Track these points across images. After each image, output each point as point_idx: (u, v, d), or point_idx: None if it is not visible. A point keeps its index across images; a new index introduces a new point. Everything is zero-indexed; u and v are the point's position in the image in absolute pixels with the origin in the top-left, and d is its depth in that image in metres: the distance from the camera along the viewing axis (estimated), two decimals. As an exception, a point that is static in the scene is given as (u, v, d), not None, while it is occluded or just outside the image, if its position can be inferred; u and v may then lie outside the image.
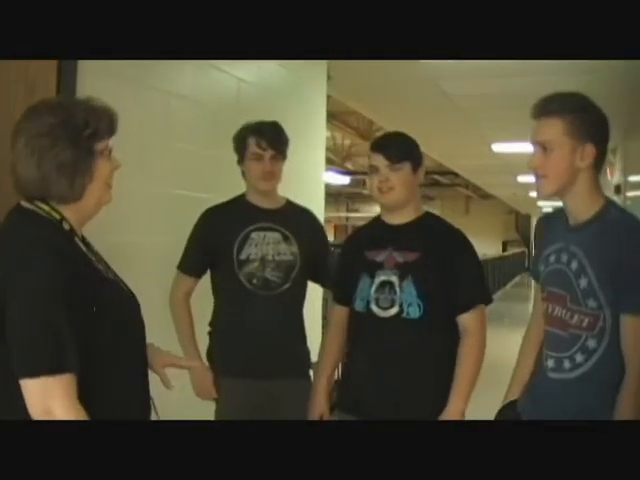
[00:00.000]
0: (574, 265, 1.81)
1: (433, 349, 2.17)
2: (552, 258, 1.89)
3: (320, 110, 4.58)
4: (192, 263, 2.53)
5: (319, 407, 2.35)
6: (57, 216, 1.42)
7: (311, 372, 2.55)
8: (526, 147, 7.37)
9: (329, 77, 4.69)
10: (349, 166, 17.43)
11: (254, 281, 2.44)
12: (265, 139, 2.44)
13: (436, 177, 18.27)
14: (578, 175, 1.80)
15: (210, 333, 2.57)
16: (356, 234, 2.47)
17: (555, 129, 1.80)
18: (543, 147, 1.82)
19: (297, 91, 4.18)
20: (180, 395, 1.87)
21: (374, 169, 2.23)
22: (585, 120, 1.79)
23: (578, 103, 1.84)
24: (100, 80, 2.40)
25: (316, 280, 2.66)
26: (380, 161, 2.21)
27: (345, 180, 16.47)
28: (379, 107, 6.96)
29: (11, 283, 1.29)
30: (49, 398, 1.26)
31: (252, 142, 2.46)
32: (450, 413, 2.11)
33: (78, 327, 1.31)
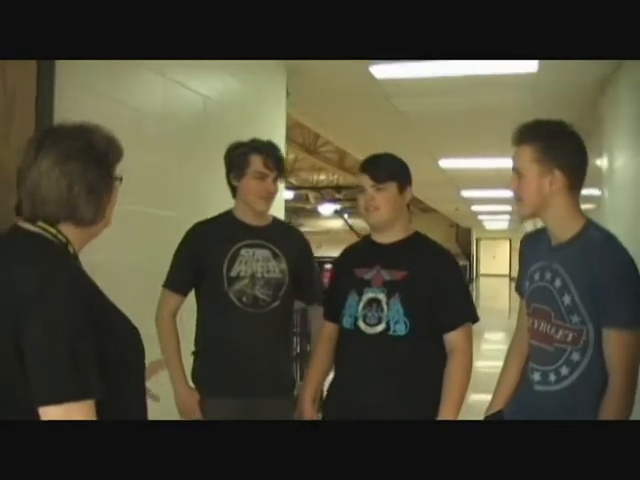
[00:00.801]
0: (557, 283, 1.88)
1: (419, 366, 2.20)
2: (536, 276, 1.96)
3: (280, 125, 4.60)
4: (180, 280, 2.48)
5: (308, 414, 2.37)
6: (63, 239, 1.40)
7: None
8: (472, 163, 7.66)
9: (288, 93, 4.72)
10: (293, 181, 17.50)
11: (244, 299, 2.41)
12: (272, 160, 2.42)
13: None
14: (551, 198, 1.88)
15: (195, 353, 2.52)
16: (346, 252, 2.49)
17: (524, 156, 1.90)
18: (517, 173, 1.92)
19: (258, 107, 4.21)
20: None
21: (361, 189, 2.27)
22: (553, 147, 1.88)
23: (549, 131, 1.92)
24: (74, 94, 2.37)
25: (300, 297, 2.65)
26: (366, 181, 2.25)
27: (289, 195, 16.52)
28: (333, 122, 7.03)
29: (31, 310, 1.26)
30: None
31: (257, 161, 2.42)
32: None
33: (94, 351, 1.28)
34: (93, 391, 1.26)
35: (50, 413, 1.23)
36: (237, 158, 2.46)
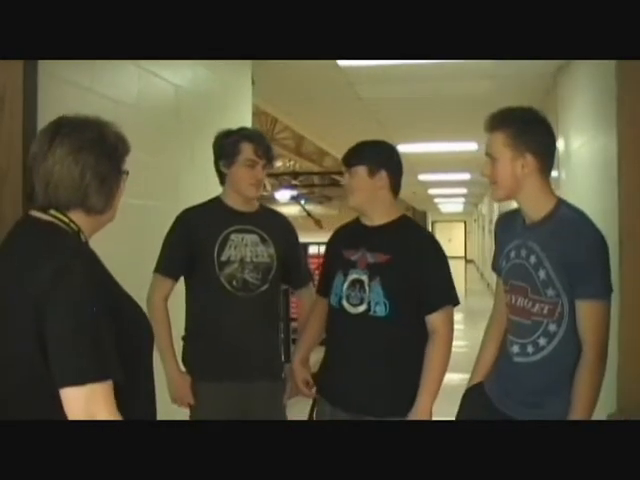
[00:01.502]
0: (532, 259, 2.00)
1: (398, 346, 2.29)
2: (512, 254, 2.08)
3: (246, 112, 4.64)
4: (171, 265, 2.53)
5: (300, 374, 2.50)
6: (75, 227, 1.45)
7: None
8: (429, 147, 7.76)
9: (253, 82, 4.77)
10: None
11: (234, 283, 2.47)
12: (262, 148, 2.50)
13: (335, 177, 18.63)
14: (524, 180, 2.00)
15: (185, 337, 2.57)
16: (337, 232, 2.57)
17: (497, 141, 2.02)
18: (491, 158, 2.04)
19: (226, 95, 4.25)
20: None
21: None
22: (523, 132, 2.00)
23: (520, 117, 2.04)
24: (56, 87, 2.40)
25: (287, 281, 2.73)
26: (343, 168, 2.37)
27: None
28: (296, 110, 7.08)
29: (50, 297, 1.31)
30: (93, 404, 1.28)
31: (248, 149, 2.49)
32: (417, 410, 2.23)
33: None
34: (113, 372, 1.32)
35: (73, 395, 1.28)
36: (228, 146, 2.51)
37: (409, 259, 2.29)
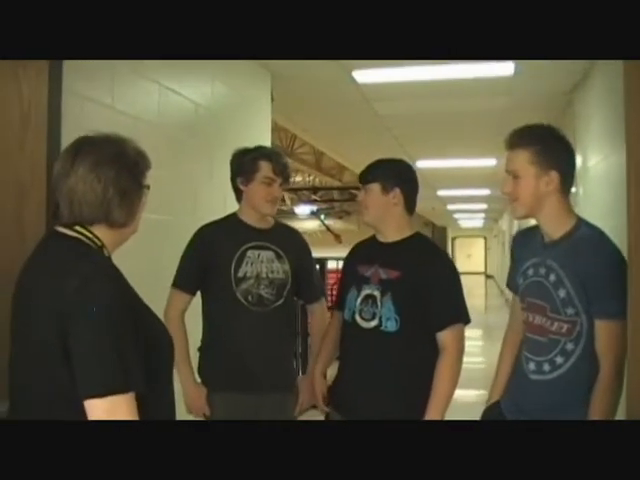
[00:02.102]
0: (552, 278, 2.00)
1: (408, 362, 2.31)
2: (530, 271, 2.08)
3: (265, 129, 4.69)
4: (188, 279, 2.58)
5: (319, 385, 2.53)
6: (99, 243, 1.50)
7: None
8: (448, 163, 7.76)
9: (272, 99, 4.83)
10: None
11: (249, 298, 2.51)
12: (280, 167, 2.55)
13: (354, 192, 18.66)
14: (546, 198, 2.01)
15: (201, 348, 2.62)
16: (355, 249, 2.60)
17: (521, 159, 2.02)
18: (513, 175, 2.04)
19: (246, 113, 4.30)
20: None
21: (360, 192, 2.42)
22: (548, 150, 2.00)
23: (543, 135, 2.05)
24: (79, 103, 2.47)
25: (300, 296, 2.76)
26: (359, 184, 2.41)
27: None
28: (315, 127, 7.14)
29: (75, 310, 1.35)
30: (115, 415, 1.32)
31: (266, 167, 2.54)
32: None
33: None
34: (135, 384, 1.35)
35: (95, 406, 1.32)
36: (246, 164, 2.56)
37: (419, 276, 2.31)
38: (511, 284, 2.23)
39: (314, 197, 20.64)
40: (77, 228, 1.49)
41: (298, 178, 18.73)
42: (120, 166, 1.50)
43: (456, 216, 22.04)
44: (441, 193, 13.42)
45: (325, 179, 15.45)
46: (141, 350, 1.41)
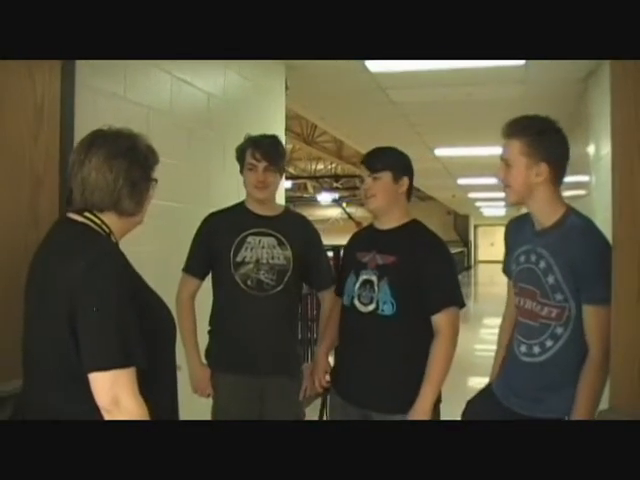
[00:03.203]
0: (542, 265, 2.07)
1: (404, 344, 2.37)
2: (522, 258, 2.15)
3: (280, 119, 4.76)
4: (196, 265, 2.69)
5: (322, 364, 2.64)
6: (107, 229, 1.60)
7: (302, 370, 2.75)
8: (466, 151, 7.73)
9: (287, 88, 4.89)
10: (291, 170, 17.65)
11: (248, 282, 2.60)
12: (260, 151, 2.60)
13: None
14: (536, 188, 2.06)
15: (209, 332, 2.72)
16: (354, 237, 2.68)
17: (513, 149, 2.07)
18: (506, 163, 2.10)
19: (259, 102, 4.37)
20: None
21: (362, 179, 2.48)
22: (540, 142, 2.05)
23: (537, 126, 2.09)
24: (91, 96, 2.56)
25: (308, 283, 2.84)
26: (364, 172, 2.46)
27: (287, 184, 16.68)
28: (330, 115, 7.19)
29: (81, 290, 1.45)
30: (118, 388, 1.43)
31: (249, 153, 2.62)
32: (417, 407, 2.30)
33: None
34: (136, 359, 1.46)
35: (99, 379, 1.43)
36: (238, 154, 2.68)
37: (414, 260, 2.37)
38: (506, 270, 2.30)
39: (336, 185, 20.71)
40: (86, 214, 1.60)
41: (320, 166, 18.83)
42: (131, 159, 1.60)
43: (478, 204, 21.93)
44: (461, 181, 13.41)
45: (347, 167, 15.49)
46: (143, 329, 1.50)
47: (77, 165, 1.59)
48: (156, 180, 1.70)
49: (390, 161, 2.46)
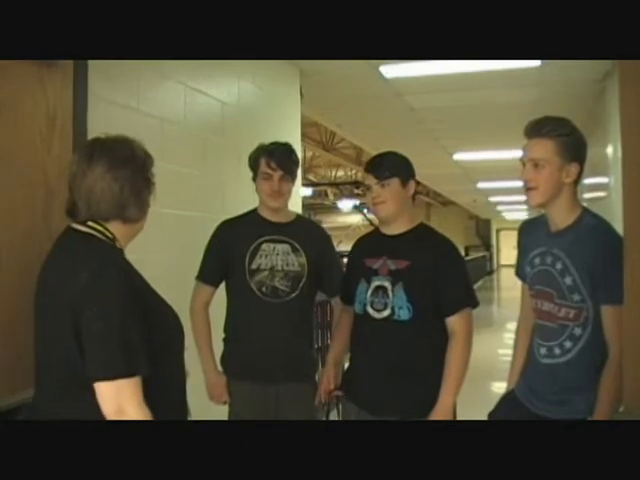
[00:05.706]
0: (559, 266, 2.05)
1: (420, 348, 2.36)
2: (537, 260, 2.13)
3: (295, 126, 4.77)
4: (209, 273, 2.69)
5: (330, 372, 2.65)
6: (110, 236, 1.61)
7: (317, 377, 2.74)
8: (485, 155, 7.67)
9: (302, 95, 4.90)
10: (311, 178, 17.67)
11: (263, 289, 2.60)
12: (275, 160, 2.61)
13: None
14: (563, 189, 2.05)
15: (224, 339, 2.73)
16: (358, 243, 2.66)
17: (547, 148, 2.03)
18: (534, 163, 2.06)
19: (274, 110, 4.38)
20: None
21: (367, 187, 2.46)
22: (572, 142, 2.04)
23: (566, 127, 2.07)
24: (104, 106, 2.58)
25: (322, 289, 2.83)
26: (371, 180, 2.44)
27: (307, 192, 16.71)
28: (347, 121, 7.19)
29: (87, 299, 1.46)
30: (122, 397, 1.43)
31: (263, 162, 2.62)
32: (439, 409, 2.29)
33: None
34: (140, 369, 1.45)
35: (104, 389, 1.43)
36: (252, 162, 2.68)
37: (427, 264, 2.36)
38: (520, 272, 2.28)
39: (356, 191, 20.69)
40: (90, 224, 1.60)
41: (340, 173, 18.84)
42: (133, 166, 1.62)
43: (499, 208, 21.80)
44: (481, 185, 13.33)
45: (366, 173, 15.45)
46: (149, 335, 1.51)
47: (79, 176, 1.60)
48: (154, 183, 1.71)
49: (397, 167, 2.45)
